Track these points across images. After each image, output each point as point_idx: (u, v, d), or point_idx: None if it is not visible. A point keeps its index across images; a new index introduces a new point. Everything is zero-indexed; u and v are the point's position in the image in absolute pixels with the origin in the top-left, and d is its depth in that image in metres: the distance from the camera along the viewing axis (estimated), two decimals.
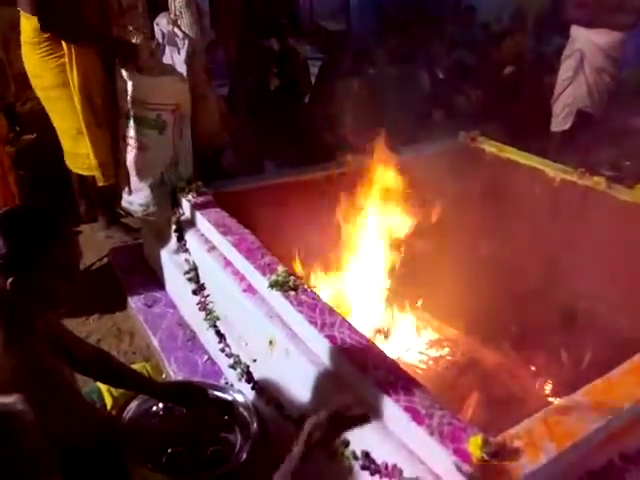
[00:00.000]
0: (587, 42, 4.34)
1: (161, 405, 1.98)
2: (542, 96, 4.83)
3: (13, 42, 3.77)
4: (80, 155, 3.14)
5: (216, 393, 2.08)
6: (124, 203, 3.45)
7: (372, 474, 1.54)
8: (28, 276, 1.37)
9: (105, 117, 3.02)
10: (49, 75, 2.93)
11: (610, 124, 4.67)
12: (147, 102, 2.93)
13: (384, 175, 3.03)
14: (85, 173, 3.24)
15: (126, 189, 3.24)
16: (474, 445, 1.41)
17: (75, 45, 2.84)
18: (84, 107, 2.95)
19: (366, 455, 1.58)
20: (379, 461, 1.54)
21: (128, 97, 2.84)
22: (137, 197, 3.34)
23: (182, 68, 3.54)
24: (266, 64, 4.76)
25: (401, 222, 2.80)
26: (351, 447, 1.63)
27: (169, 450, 1.82)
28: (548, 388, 2.72)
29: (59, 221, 1.45)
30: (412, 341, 2.84)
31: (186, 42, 3.52)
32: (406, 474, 1.47)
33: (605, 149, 4.58)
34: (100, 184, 3.18)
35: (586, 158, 4.19)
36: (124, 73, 2.86)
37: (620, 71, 4.66)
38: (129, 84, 2.87)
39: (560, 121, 4.60)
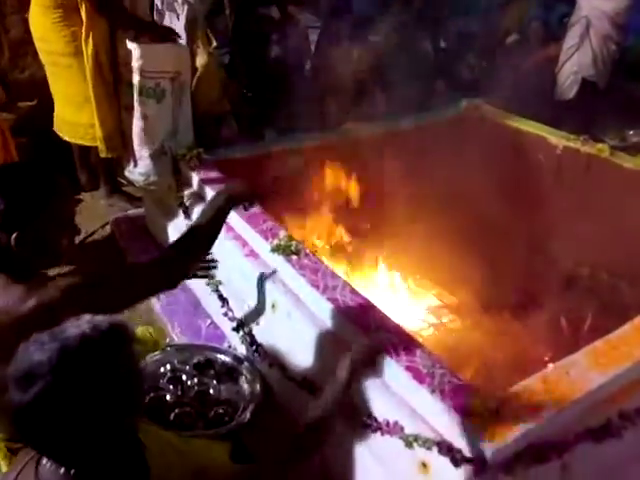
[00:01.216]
0: (593, 9, 4.28)
1: (168, 367, 2.02)
2: (546, 65, 4.77)
3: (8, 8, 3.72)
4: (82, 125, 3.11)
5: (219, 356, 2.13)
6: (126, 172, 3.44)
7: (374, 431, 1.57)
8: (30, 231, 1.36)
9: (113, 88, 3.00)
10: (60, 42, 2.90)
11: (614, 93, 4.62)
12: (146, 70, 2.91)
13: (385, 143, 3.02)
14: (86, 144, 3.21)
15: (129, 159, 3.23)
16: (474, 402, 1.43)
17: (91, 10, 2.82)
18: (95, 77, 2.92)
19: (368, 413, 1.60)
20: (380, 419, 1.57)
21: (128, 65, 2.82)
22: (138, 166, 3.33)
23: (182, 35, 3.49)
24: (266, 32, 4.69)
25: (403, 189, 2.79)
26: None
27: (176, 410, 1.85)
28: (548, 354, 2.75)
29: (55, 175, 1.44)
30: (412, 308, 2.86)
31: (185, 8, 3.46)
32: (407, 431, 1.50)
33: (609, 118, 4.54)
34: (102, 156, 3.16)
35: (590, 127, 4.16)
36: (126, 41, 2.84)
37: (625, 39, 4.60)
38: (129, 52, 2.85)
39: (564, 90, 4.54)
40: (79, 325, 1.03)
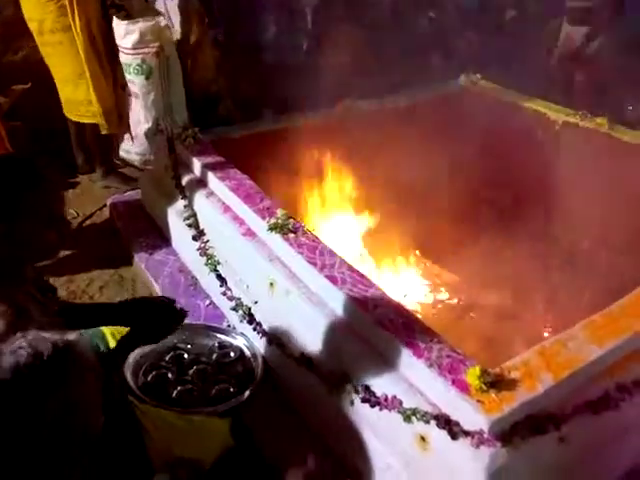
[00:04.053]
0: None
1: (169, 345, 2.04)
2: (544, 40, 4.71)
3: None
4: (80, 102, 3.09)
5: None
6: (122, 152, 3.42)
7: (372, 406, 1.57)
8: (6, 226, 1.32)
9: (107, 63, 2.98)
10: (49, 18, 2.87)
11: (615, 68, 4.57)
12: (129, 47, 2.90)
13: (383, 120, 2.99)
14: (87, 121, 3.19)
15: (126, 137, 3.22)
16: (472, 376, 1.43)
17: None
18: (87, 51, 2.90)
19: (366, 388, 1.61)
20: (379, 393, 1.57)
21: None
22: (134, 146, 3.31)
23: (175, 13, 3.45)
24: (262, 12, 4.63)
25: (401, 165, 2.77)
26: (351, 382, 1.66)
27: (179, 387, 1.87)
28: (547, 331, 2.75)
29: (36, 169, 1.40)
30: (411, 287, 2.86)
31: None
32: (405, 405, 1.50)
33: (609, 93, 4.49)
34: (104, 132, 3.14)
35: (589, 102, 4.12)
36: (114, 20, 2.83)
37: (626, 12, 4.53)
38: (115, 31, 2.84)
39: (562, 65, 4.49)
40: (15, 350, 0.88)
